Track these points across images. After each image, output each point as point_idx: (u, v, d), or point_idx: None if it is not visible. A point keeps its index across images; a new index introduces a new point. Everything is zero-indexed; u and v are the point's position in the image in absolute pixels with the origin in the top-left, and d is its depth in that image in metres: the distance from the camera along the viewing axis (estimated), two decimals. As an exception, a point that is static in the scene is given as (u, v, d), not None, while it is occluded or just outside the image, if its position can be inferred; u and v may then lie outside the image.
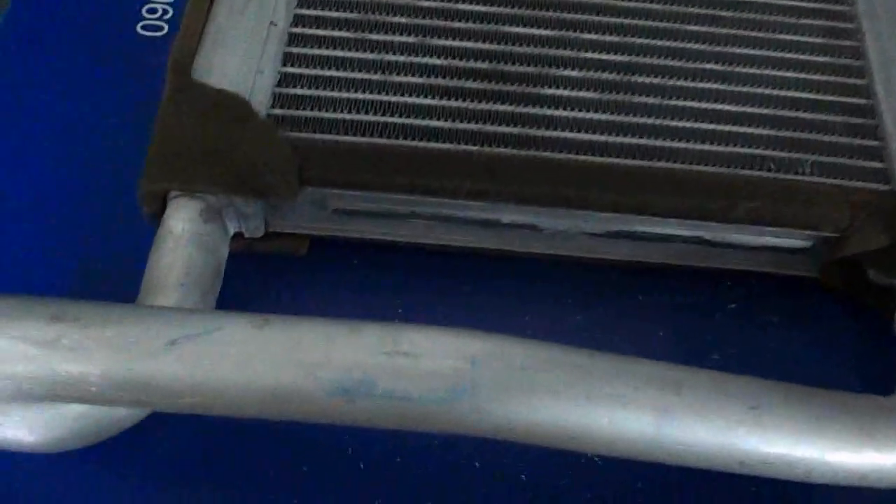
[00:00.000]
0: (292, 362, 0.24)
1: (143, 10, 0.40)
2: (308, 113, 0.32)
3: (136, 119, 0.37)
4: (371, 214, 0.32)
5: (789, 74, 0.34)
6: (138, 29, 0.39)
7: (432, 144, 0.31)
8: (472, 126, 0.32)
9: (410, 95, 0.33)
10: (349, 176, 0.30)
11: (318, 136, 0.32)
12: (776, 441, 0.25)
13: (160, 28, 0.39)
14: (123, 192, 0.35)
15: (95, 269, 0.34)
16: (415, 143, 0.32)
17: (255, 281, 0.33)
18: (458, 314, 0.33)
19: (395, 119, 0.32)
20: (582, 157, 0.31)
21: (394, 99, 0.33)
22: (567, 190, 0.30)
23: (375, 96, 0.33)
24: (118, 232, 0.34)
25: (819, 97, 0.34)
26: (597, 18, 0.35)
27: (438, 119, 0.32)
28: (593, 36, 0.34)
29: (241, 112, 0.31)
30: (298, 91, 0.33)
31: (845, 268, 0.32)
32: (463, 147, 0.31)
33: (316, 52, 0.33)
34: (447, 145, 0.31)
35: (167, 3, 0.40)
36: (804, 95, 0.34)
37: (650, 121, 0.33)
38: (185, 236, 0.30)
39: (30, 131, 0.37)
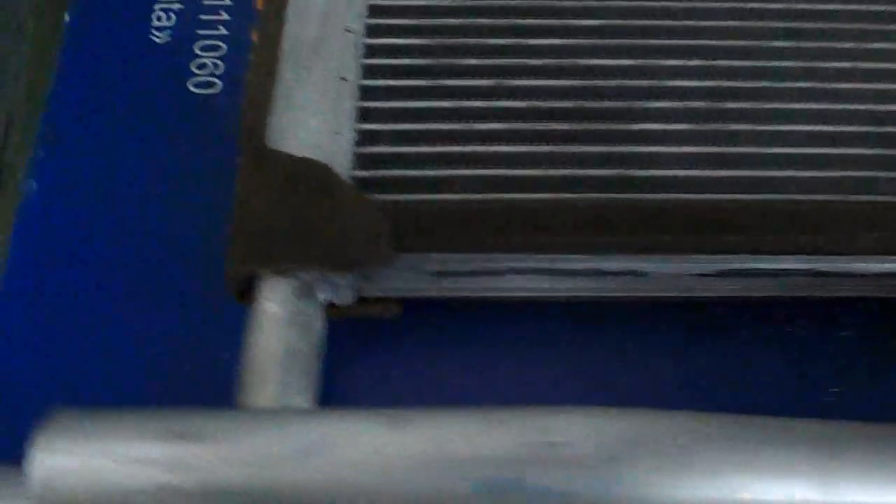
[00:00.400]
0: (436, 464, 0.22)
1: (193, 67, 0.38)
2: (393, 172, 0.31)
3: (197, 182, 0.36)
4: (467, 274, 0.31)
5: (891, 86, 0.32)
6: (190, 87, 0.38)
7: (528, 196, 0.30)
8: (564, 171, 0.31)
9: (496, 144, 0.31)
10: (448, 240, 0.29)
11: (406, 196, 0.30)
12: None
13: (213, 84, 0.38)
14: (193, 262, 0.34)
15: (175, 348, 0.32)
16: (509, 196, 0.30)
17: (347, 344, 0.32)
18: (563, 365, 0.32)
19: (484, 171, 0.31)
20: (686, 197, 0.30)
21: (479, 149, 0.31)
22: (680, 236, 0.29)
23: (459, 148, 0.31)
24: (191, 306, 0.33)
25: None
26: (677, 42, 0.33)
27: (528, 167, 0.31)
28: (676, 62, 0.33)
29: (325, 179, 0.29)
30: (380, 149, 0.31)
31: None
32: (561, 196, 0.30)
33: (391, 104, 0.32)
34: (543, 195, 0.30)
35: (217, 58, 0.38)
36: (907, 108, 0.32)
37: (748, 150, 0.31)
38: (282, 318, 0.28)
39: (87, 203, 0.35)
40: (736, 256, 0.30)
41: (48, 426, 0.23)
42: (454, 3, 0.34)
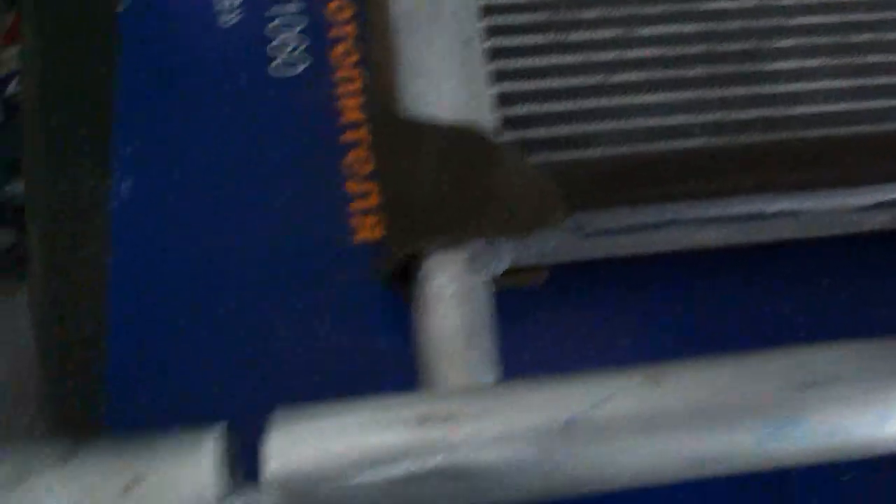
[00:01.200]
0: (709, 415, 0.21)
1: (271, 50, 0.36)
2: (539, 132, 0.29)
3: (291, 169, 0.34)
4: (627, 230, 0.30)
5: None
6: (270, 70, 0.35)
7: (681, 143, 0.29)
8: (712, 116, 0.30)
9: (635, 94, 0.30)
10: (620, 195, 0.28)
11: (559, 155, 0.29)
12: None
13: (294, 66, 0.36)
14: (282, 248, 0.32)
15: (309, 346, 0.30)
16: (663, 145, 0.29)
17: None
18: (725, 314, 0.31)
19: (630, 123, 0.30)
20: (840, 131, 0.30)
21: (621, 101, 0.30)
22: (844, 168, 0.29)
23: (600, 102, 0.30)
24: (313, 296, 0.31)
25: None
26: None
27: (673, 115, 0.30)
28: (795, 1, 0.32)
29: (481, 144, 0.28)
30: (520, 110, 0.30)
31: None
32: (718, 141, 0.29)
33: (522, 63, 0.30)
34: (699, 141, 0.29)
35: (293, 39, 0.36)
36: None
37: (883, 79, 0.31)
38: (458, 295, 0.27)
39: (179, 195, 0.33)
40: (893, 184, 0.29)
41: (280, 428, 0.21)
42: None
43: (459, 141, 0.28)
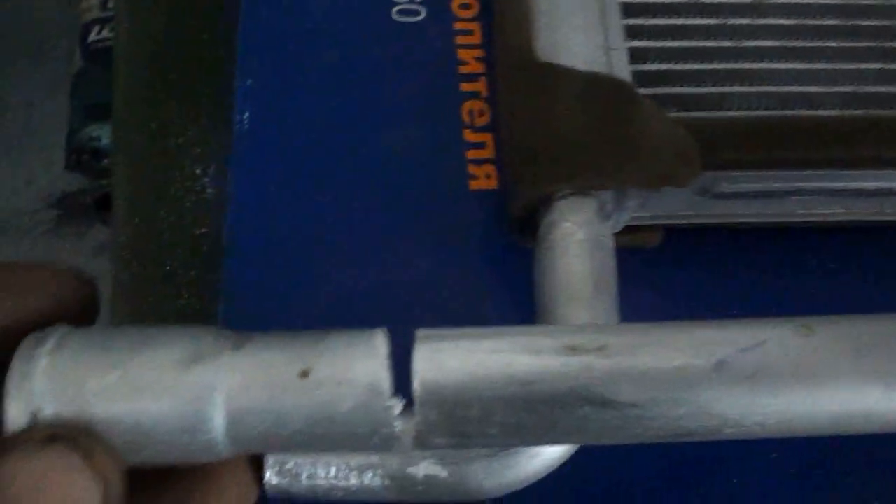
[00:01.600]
0: (862, 368, 0.21)
1: (394, -5, 0.36)
2: (672, 90, 0.29)
3: (411, 112, 0.34)
4: (748, 195, 0.29)
5: None
6: (394, 15, 0.35)
7: (816, 112, 0.29)
8: (845, 89, 0.29)
9: (769, 61, 0.30)
10: (755, 156, 0.27)
11: (693, 114, 0.29)
12: None
13: (417, 13, 0.36)
14: (425, 194, 0.32)
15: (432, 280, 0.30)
16: (797, 112, 0.29)
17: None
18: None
19: (763, 88, 0.29)
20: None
21: (755, 66, 0.30)
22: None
23: (734, 65, 0.30)
24: (433, 242, 0.31)
25: None
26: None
27: (806, 83, 0.29)
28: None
29: (623, 94, 0.28)
30: (654, 67, 0.29)
31: None
32: (851, 113, 0.29)
33: (656, 22, 0.30)
34: (831, 112, 0.29)
35: (417, -15, 0.36)
36: None
37: None
38: (587, 240, 0.27)
39: (298, 132, 0.33)
40: None
41: (427, 342, 0.21)
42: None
43: (600, 88, 0.28)
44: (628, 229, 0.30)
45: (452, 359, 0.20)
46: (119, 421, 0.18)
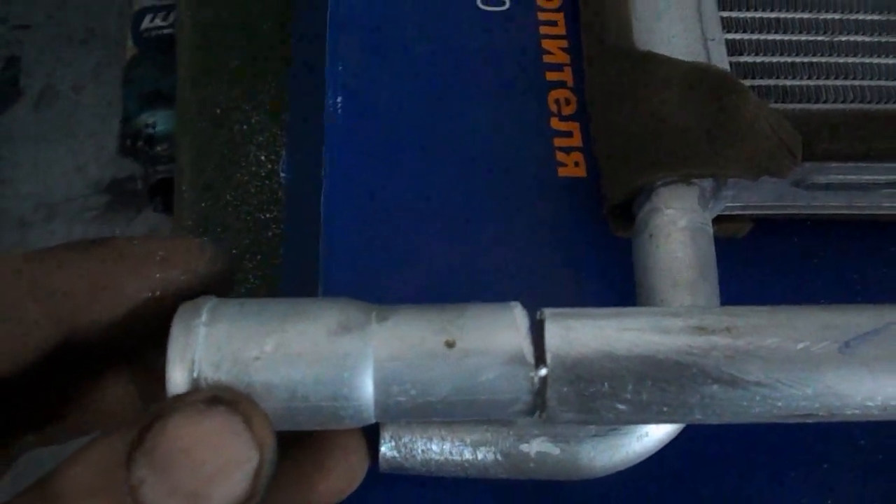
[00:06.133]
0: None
1: (479, -14, 0.36)
2: (770, 81, 0.29)
3: (499, 100, 0.34)
4: (839, 187, 0.30)
5: None
6: (479, 4, 0.36)
7: (911, 106, 0.29)
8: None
9: (861, 55, 0.30)
10: (854, 148, 0.28)
11: (791, 105, 0.29)
12: None
13: (502, 2, 0.36)
14: (513, 180, 0.32)
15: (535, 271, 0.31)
16: (892, 105, 0.29)
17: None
18: None
19: (858, 82, 0.30)
20: None
21: (848, 60, 0.30)
22: None
23: (828, 59, 0.30)
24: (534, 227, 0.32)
25: None
26: None
27: (898, 78, 0.30)
28: None
29: (726, 84, 0.28)
30: (751, 59, 0.30)
31: None
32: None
33: (751, 14, 0.31)
34: (926, 106, 0.29)
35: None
36: None
37: None
38: (689, 227, 0.27)
39: (387, 117, 0.34)
40: None
41: (555, 320, 0.21)
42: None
43: (703, 77, 0.28)
44: (719, 219, 0.31)
45: (583, 335, 0.21)
46: (275, 388, 0.19)
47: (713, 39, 0.30)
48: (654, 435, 0.25)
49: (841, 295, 0.31)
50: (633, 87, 0.28)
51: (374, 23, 0.35)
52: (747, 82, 0.29)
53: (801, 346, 0.21)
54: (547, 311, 0.22)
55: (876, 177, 0.29)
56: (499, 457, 0.25)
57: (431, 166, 0.32)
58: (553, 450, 0.25)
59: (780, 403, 0.21)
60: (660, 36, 0.29)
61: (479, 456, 0.25)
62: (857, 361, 0.21)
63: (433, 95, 0.34)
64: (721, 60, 0.29)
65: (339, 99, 0.33)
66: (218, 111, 0.51)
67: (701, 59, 0.29)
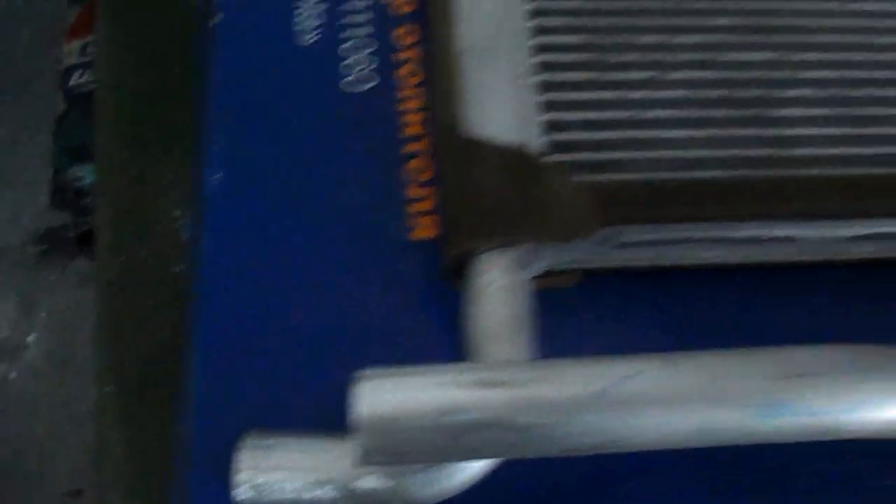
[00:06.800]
0: (718, 393, 0.26)
1: (343, 68, 0.41)
2: (583, 156, 0.34)
3: (362, 173, 0.39)
4: (647, 243, 0.35)
5: None
6: (342, 86, 0.41)
7: (702, 174, 0.34)
8: (731, 152, 0.35)
9: (667, 127, 0.35)
10: (647, 213, 0.33)
11: (596, 177, 0.34)
12: None
13: (364, 81, 0.41)
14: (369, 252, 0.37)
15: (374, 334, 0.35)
16: (686, 174, 0.34)
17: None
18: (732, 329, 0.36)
19: (658, 153, 0.35)
20: (834, 171, 0.35)
21: (650, 134, 0.35)
22: (835, 204, 0.34)
23: (635, 133, 0.35)
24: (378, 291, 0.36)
25: None
26: (809, 39, 0.38)
27: (698, 147, 0.35)
28: (808, 56, 0.38)
29: (531, 162, 0.33)
30: (566, 136, 0.35)
31: None
32: (730, 173, 0.34)
33: (568, 97, 0.36)
34: (715, 173, 0.34)
35: (365, 57, 0.41)
36: None
37: (881, 130, 0.36)
38: (505, 288, 0.32)
39: (260, 194, 0.38)
40: (876, 220, 0.35)
41: (368, 380, 0.26)
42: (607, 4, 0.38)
43: (513, 160, 0.33)
44: (550, 273, 0.36)
45: (387, 394, 0.26)
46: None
47: (530, 122, 0.34)
48: (473, 467, 0.30)
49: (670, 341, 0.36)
50: (458, 171, 0.33)
51: (252, 104, 0.40)
52: (561, 157, 0.34)
53: (566, 393, 0.26)
54: (361, 373, 0.26)
55: (673, 234, 0.34)
56: (338, 493, 0.29)
57: (301, 240, 0.37)
58: (384, 484, 0.29)
59: (552, 443, 0.26)
60: (484, 121, 0.34)
61: (321, 493, 0.29)
62: (611, 404, 0.26)
63: (302, 173, 0.38)
64: (536, 140, 0.34)
65: (214, 175, 0.38)
66: (133, 170, 0.55)
67: (520, 139, 0.34)
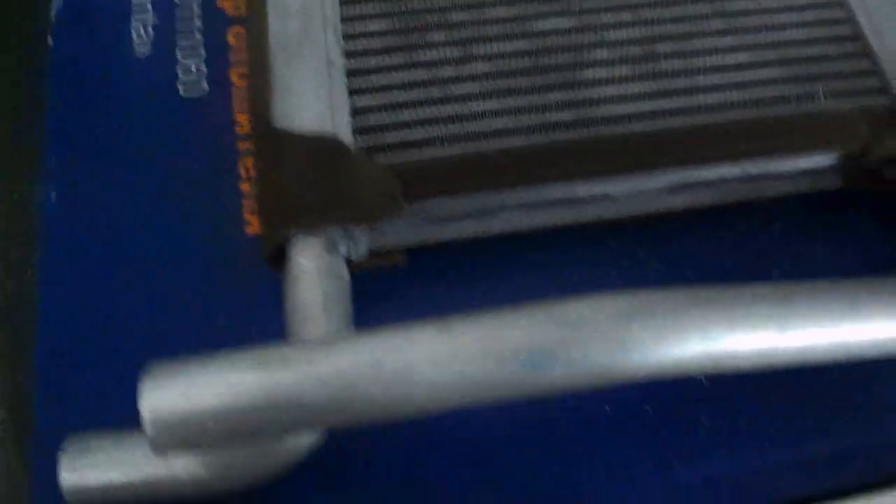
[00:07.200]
0: (483, 352, 0.27)
1: (180, 72, 0.42)
2: (389, 137, 0.35)
3: (196, 174, 0.40)
4: (463, 216, 0.36)
5: (784, 18, 0.39)
6: (179, 90, 0.42)
7: (507, 142, 0.35)
8: (536, 118, 0.36)
9: (472, 101, 0.36)
10: (449, 186, 0.34)
11: (404, 156, 0.35)
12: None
13: (198, 85, 0.42)
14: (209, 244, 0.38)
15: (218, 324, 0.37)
16: (491, 143, 0.35)
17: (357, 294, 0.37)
18: (552, 284, 0.37)
19: (466, 127, 0.36)
20: (637, 127, 0.36)
21: (458, 110, 0.36)
22: (639, 157, 0.35)
23: (441, 109, 0.36)
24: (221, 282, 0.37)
25: (813, 33, 0.39)
26: (609, 3, 0.39)
27: (503, 117, 0.36)
28: (610, 18, 0.39)
29: (337, 150, 0.34)
30: (374, 121, 0.36)
31: (867, 173, 0.38)
32: (538, 138, 0.35)
33: (377, 80, 0.37)
34: (523, 138, 0.35)
35: (201, 65, 0.42)
36: (800, 34, 0.39)
37: (681, 82, 0.37)
38: (317, 270, 0.33)
39: (99, 208, 0.39)
40: (683, 169, 0.36)
41: (149, 373, 0.27)
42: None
43: (321, 148, 0.34)
44: (375, 253, 0.37)
45: (169, 385, 0.27)
46: None
47: (338, 108, 0.35)
48: (288, 445, 0.31)
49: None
50: (267, 161, 0.34)
51: (89, 117, 0.41)
52: (368, 140, 0.35)
53: (338, 367, 0.27)
54: (150, 365, 0.28)
55: (480, 205, 0.35)
56: (154, 483, 0.30)
57: (137, 240, 0.38)
58: (203, 470, 0.30)
59: (332, 415, 0.27)
60: (292, 112, 0.35)
61: (140, 485, 0.30)
62: (387, 374, 0.27)
63: (137, 180, 0.39)
64: (344, 127, 0.35)
65: (52, 190, 0.39)
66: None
67: (327, 127, 0.35)
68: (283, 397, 0.27)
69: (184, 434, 0.27)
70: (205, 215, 0.39)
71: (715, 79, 0.37)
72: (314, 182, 0.33)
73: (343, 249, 0.35)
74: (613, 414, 0.35)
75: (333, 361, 0.27)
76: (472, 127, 0.36)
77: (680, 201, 0.38)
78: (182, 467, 0.30)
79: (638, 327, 0.28)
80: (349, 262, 0.36)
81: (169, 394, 0.27)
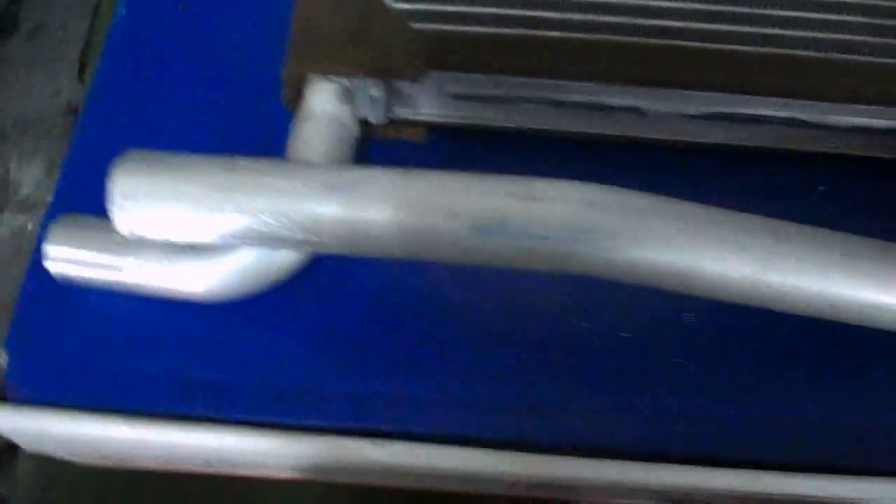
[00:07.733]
0: (435, 205, 0.27)
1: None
2: (429, 6, 0.35)
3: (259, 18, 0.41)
4: (485, 99, 0.35)
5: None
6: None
7: (547, 32, 0.34)
8: (583, 16, 0.35)
9: (519, -10, 0.36)
10: (470, 59, 0.33)
11: (441, 26, 0.35)
12: (868, 287, 0.28)
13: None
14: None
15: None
16: (527, 31, 0.34)
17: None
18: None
19: (510, 10, 0.35)
20: (686, 43, 0.34)
21: (505, -7, 0.35)
22: (675, 70, 0.33)
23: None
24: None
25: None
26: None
27: (550, 10, 0.35)
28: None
29: (377, 7, 0.34)
30: (418, -13, 0.36)
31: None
32: (576, 35, 0.34)
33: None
34: (560, 33, 0.34)
35: None
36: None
37: (746, 8, 0.35)
38: (325, 116, 0.33)
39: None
40: (724, 97, 0.34)
41: (126, 156, 0.28)
42: None
43: (362, 2, 0.34)
44: (397, 123, 0.37)
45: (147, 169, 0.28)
46: None
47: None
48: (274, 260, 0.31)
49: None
50: (310, 4, 0.34)
51: None
52: (410, 6, 0.35)
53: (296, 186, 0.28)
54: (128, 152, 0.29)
55: (504, 91, 0.35)
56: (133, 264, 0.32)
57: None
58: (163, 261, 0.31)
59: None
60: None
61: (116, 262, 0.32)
62: (336, 202, 0.27)
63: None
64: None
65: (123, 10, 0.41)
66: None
67: (368, -15, 0.35)
68: (240, 202, 0.27)
69: (146, 216, 0.28)
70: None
71: (784, 13, 0.35)
72: (346, 29, 0.34)
73: (360, 109, 0.35)
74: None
75: (290, 180, 0.27)
76: (512, 12, 0.35)
77: (718, 136, 0.36)
78: (154, 258, 0.32)
79: (599, 218, 0.27)
80: (368, 125, 0.36)
81: (136, 177, 0.28)
